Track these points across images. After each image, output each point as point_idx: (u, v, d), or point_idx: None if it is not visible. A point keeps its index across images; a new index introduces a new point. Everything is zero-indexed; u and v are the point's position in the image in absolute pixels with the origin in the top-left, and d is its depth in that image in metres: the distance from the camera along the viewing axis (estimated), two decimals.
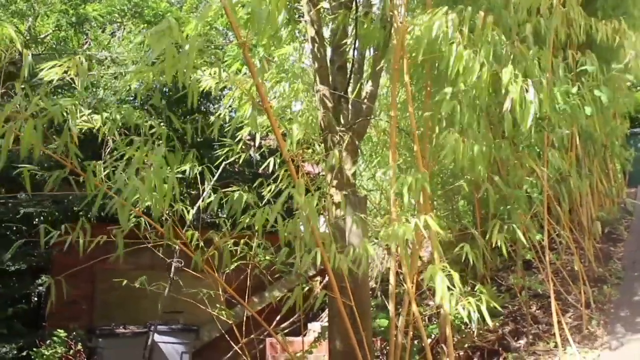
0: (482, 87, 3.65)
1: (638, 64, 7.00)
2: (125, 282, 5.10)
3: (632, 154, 9.68)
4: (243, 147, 5.06)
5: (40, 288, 7.09)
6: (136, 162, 2.96)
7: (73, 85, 6.45)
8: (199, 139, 6.49)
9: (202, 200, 4.41)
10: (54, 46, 7.92)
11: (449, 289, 3.25)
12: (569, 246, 5.76)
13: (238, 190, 3.79)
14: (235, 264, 4.55)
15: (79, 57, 3.30)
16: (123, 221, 2.98)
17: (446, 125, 4.35)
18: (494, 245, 3.97)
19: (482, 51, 3.61)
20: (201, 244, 4.16)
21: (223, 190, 3.93)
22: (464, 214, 6.05)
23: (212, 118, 7.38)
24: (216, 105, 8.16)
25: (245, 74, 5.56)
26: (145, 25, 8.24)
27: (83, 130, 3.91)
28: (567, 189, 5.87)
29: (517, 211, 4.60)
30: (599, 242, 7.21)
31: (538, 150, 4.55)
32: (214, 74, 4.67)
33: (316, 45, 4.53)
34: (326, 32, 4.94)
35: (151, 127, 3.35)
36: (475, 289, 3.85)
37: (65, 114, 3.02)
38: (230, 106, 5.49)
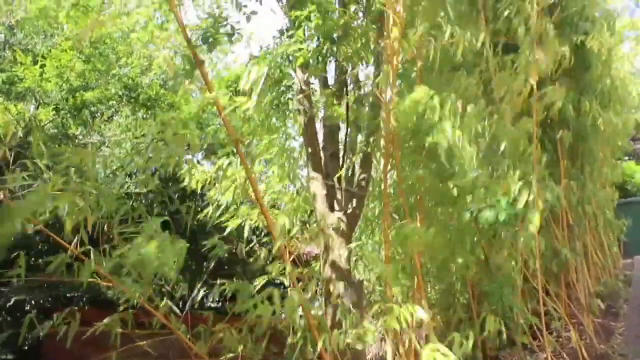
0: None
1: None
2: None
3: (624, 224, 9.73)
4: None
5: None
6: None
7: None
8: (194, 225, 6.50)
9: (198, 291, 4.40)
10: (54, 132, 8.09)
11: None
12: (568, 323, 5.69)
13: (230, 281, 3.81)
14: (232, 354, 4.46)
15: (91, 149, 3.42)
16: None
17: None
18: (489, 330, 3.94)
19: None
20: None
21: (214, 277, 3.93)
22: (459, 293, 5.99)
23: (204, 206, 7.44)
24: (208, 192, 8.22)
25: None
26: (141, 108, 8.49)
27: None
28: (561, 265, 5.86)
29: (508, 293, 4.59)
30: (598, 317, 7.11)
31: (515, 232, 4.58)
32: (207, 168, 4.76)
33: (308, 132, 4.66)
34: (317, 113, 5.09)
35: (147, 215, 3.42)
36: None
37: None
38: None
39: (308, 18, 4.56)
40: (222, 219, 4.97)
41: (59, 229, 3.24)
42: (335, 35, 4.51)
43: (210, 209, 4.90)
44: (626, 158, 15.58)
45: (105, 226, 3.44)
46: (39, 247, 7.61)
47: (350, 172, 4.62)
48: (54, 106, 8.52)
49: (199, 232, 6.98)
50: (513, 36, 4.61)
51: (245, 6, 4.65)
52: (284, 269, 4.99)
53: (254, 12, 4.57)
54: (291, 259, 3.76)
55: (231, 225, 5.01)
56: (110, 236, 3.60)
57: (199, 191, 5.02)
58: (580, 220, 7.69)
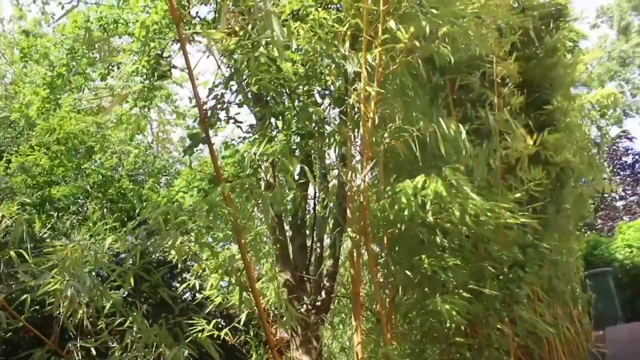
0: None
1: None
2: None
3: (591, 296, 9.78)
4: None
5: None
6: None
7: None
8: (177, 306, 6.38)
9: None
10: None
11: None
12: None
13: None
14: None
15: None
16: None
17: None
18: None
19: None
20: None
21: None
22: None
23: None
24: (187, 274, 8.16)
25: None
26: (109, 203, 8.46)
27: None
28: (536, 342, 5.86)
29: None
30: None
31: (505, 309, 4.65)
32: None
33: (276, 224, 4.72)
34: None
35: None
36: None
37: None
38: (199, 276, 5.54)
39: (280, 114, 4.75)
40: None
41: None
42: (307, 130, 4.69)
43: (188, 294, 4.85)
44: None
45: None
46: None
47: (318, 262, 4.67)
48: (19, 202, 8.43)
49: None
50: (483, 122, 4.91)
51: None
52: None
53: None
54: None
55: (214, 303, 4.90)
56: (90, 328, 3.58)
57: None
58: (552, 294, 7.76)
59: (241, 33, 4.12)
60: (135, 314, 3.43)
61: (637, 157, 19.54)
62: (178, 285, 8.50)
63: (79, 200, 8.69)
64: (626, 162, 19.58)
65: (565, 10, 6.33)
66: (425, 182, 3.73)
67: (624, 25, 24.37)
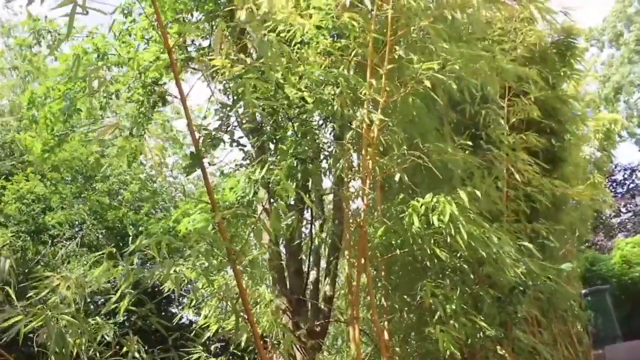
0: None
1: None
2: None
3: (590, 314, 9.72)
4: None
5: None
6: None
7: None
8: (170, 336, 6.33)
9: None
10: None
11: None
12: None
13: None
14: None
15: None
16: None
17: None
18: None
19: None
20: None
21: None
22: None
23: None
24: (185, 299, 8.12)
25: None
26: (105, 230, 8.42)
27: None
28: None
29: None
30: None
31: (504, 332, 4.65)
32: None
33: (271, 250, 4.70)
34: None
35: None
36: None
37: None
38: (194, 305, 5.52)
39: (281, 139, 4.75)
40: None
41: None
42: (307, 155, 4.68)
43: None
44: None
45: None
46: None
47: (315, 287, 4.66)
48: (14, 229, 8.37)
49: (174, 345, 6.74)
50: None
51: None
52: None
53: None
54: None
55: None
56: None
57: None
58: (551, 314, 7.72)
59: (240, 60, 4.12)
60: (129, 343, 3.39)
61: (626, 172, 19.65)
62: (175, 310, 8.48)
63: (74, 227, 8.64)
64: (617, 179, 19.65)
65: (574, 42, 6.47)
66: (436, 202, 3.72)
67: (625, 50, 24.18)
